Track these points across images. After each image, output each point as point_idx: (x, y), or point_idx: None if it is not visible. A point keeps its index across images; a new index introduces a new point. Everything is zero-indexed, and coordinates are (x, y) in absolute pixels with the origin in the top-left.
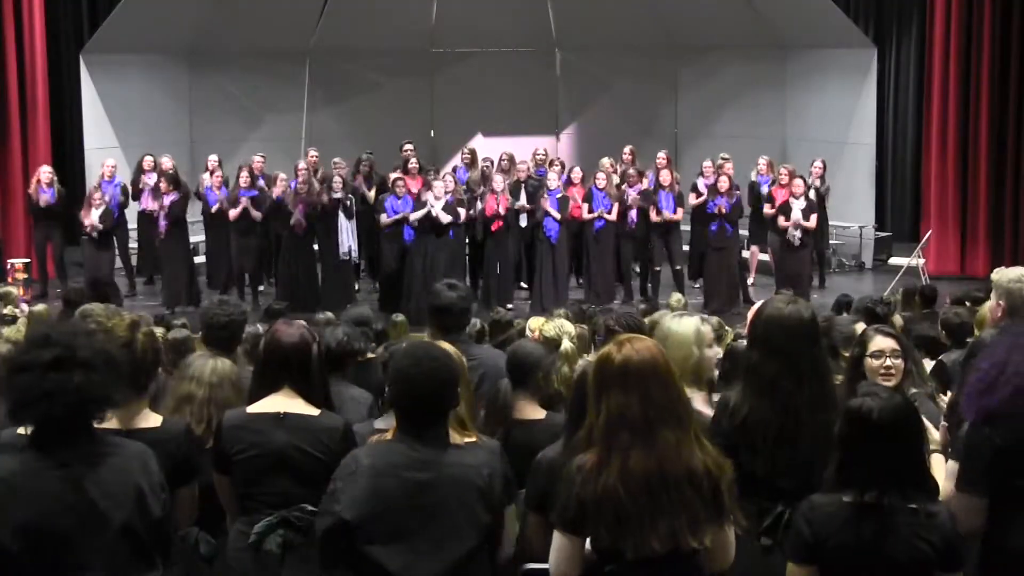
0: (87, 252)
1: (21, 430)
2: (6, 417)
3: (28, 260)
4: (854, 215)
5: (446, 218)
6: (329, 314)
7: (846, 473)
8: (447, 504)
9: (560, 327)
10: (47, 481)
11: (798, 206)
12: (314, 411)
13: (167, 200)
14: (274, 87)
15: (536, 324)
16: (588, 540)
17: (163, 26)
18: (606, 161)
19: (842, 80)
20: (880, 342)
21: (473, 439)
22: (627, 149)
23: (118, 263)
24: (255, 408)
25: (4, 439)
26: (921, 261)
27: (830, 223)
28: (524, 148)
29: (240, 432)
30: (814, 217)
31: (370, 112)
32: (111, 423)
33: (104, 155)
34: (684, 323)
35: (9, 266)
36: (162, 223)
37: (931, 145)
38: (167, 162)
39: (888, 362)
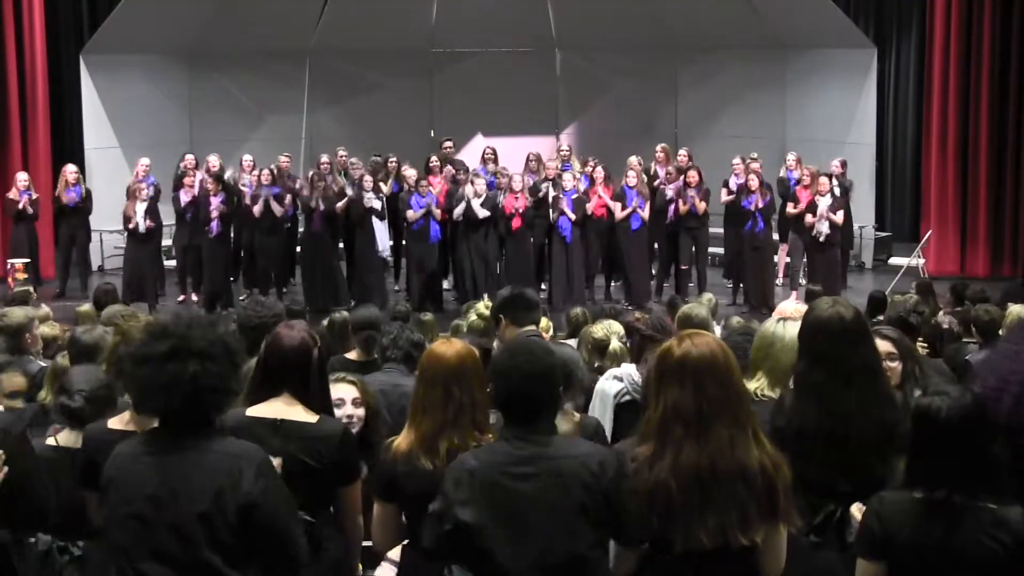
0: (128, 249)
1: (112, 424)
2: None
3: (28, 260)
4: (854, 215)
5: (483, 213)
6: (345, 313)
7: (915, 472)
8: (556, 500)
9: (608, 328)
10: (142, 465)
11: (824, 203)
12: (312, 418)
13: (217, 201)
14: (274, 87)
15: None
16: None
17: (163, 26)
18: (634, 159)
19: (842, 80)
20: (879, 345)
21: (491, 437)
22: (659, 147)
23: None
24: (254, 412)
25: (90, 432)
26: (921, 261)
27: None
28: (524, 148)
29: (238, 435)
30: (840, 213)
31: (370, 112)
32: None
33: (104, 155)
34: (791, 328)
35: (9, 266)
36: (214, 224)
37: (931, 145)
38: (214, 161)
39: (884, 365)
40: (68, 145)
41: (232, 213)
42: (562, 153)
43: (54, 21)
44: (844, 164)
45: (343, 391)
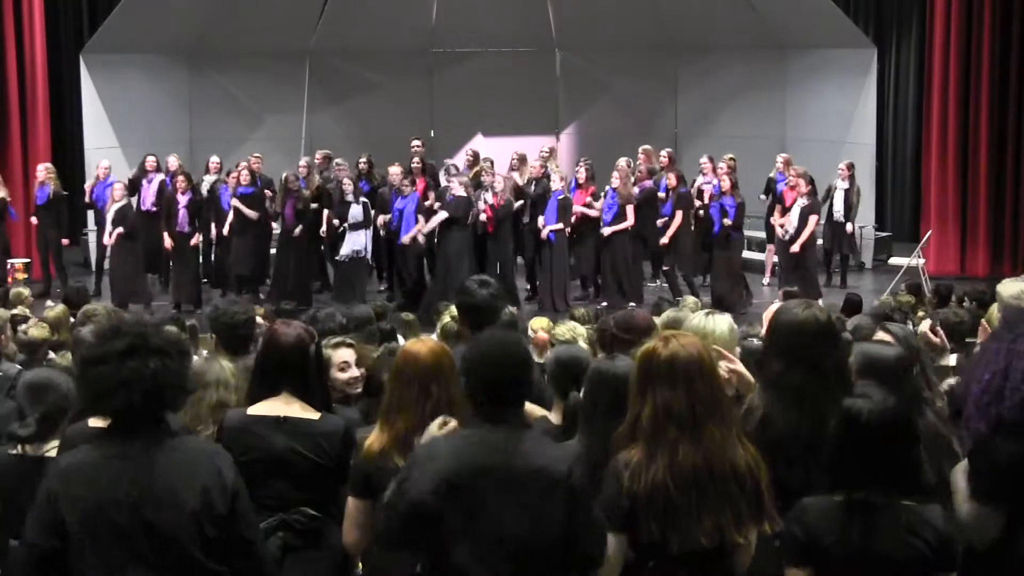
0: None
1: (93, 422)
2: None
3: (28, 260)
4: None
5: (441, 215)
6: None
7: (836, 473)
8: (523, 492)
9: (573, 329)
10: (107, 471)
11: (798, 204)
12: (314, 415)
13: (185, 199)
14: (274, 87)
15: (538, 324)
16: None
17: (163, 26)
18: (622, 161)
19: (842, 80)
20: (877, 338)
21: None
22: (641, 149)
23: None
24: (255, 410)
25: (73, 432)
26: (921, 261)
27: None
28: (523, 148)
29: (240, 435)
30: (813, 218)
31: (370, 112)
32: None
33: (104, 155)
34: (720, 321)
35: (9, 266)
36: (183, 222)
37: (931, 145)
38: (173, 162)
39: None
40: (68, 145)
41: (196, 213)
42: (542, 154)
43: (54, 21)
44: (850, 167)
45: (344, 355)
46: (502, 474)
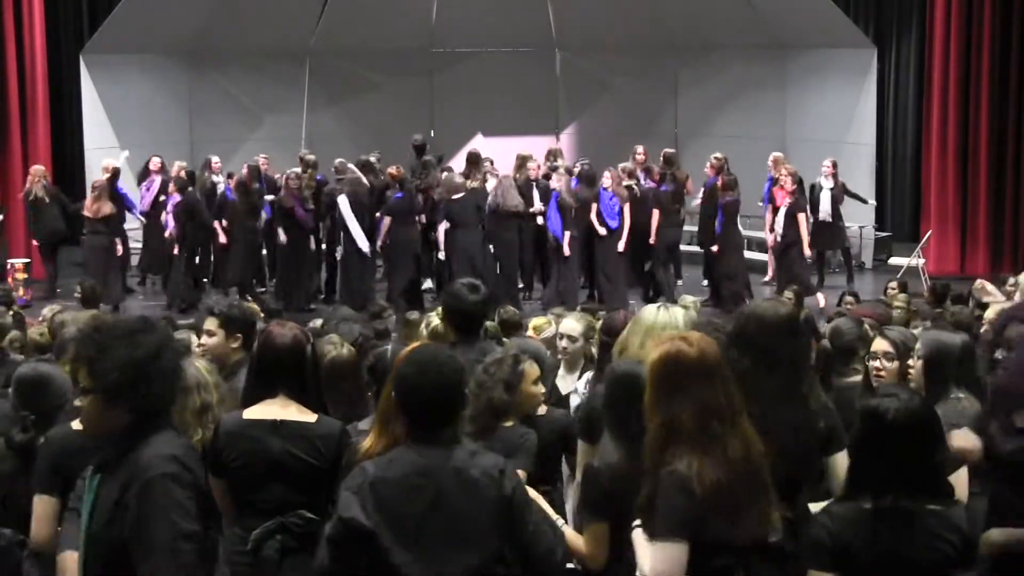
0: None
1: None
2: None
3: (28, 260)
4: (854, 215)
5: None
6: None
7: (859, 475)
8: (457, 509)
9: (550, 321)
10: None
11: (785, 204)
12: (311, 417)
13: (173, 200)
14: (274, 87)
15: (537, 323)
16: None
17: (163, 26)
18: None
19: (842, 80)
20: (876, 343)
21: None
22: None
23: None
24: (251, 414)
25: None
26: (921, 261)
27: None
28: (524, 149)
29: (236, 439)
30: (801, 216)
31: (370, 112)
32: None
33: (104, 155)
34: (676, 313)
35: (9, 266)
36: (170, 224)
37: (931, 145)
38: (180, 165)
39: (879, 363)
40: (68, 145)
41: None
42: (552, 151)
43: (54, 21)
44: (834, 165)
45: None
46: (435, 493)
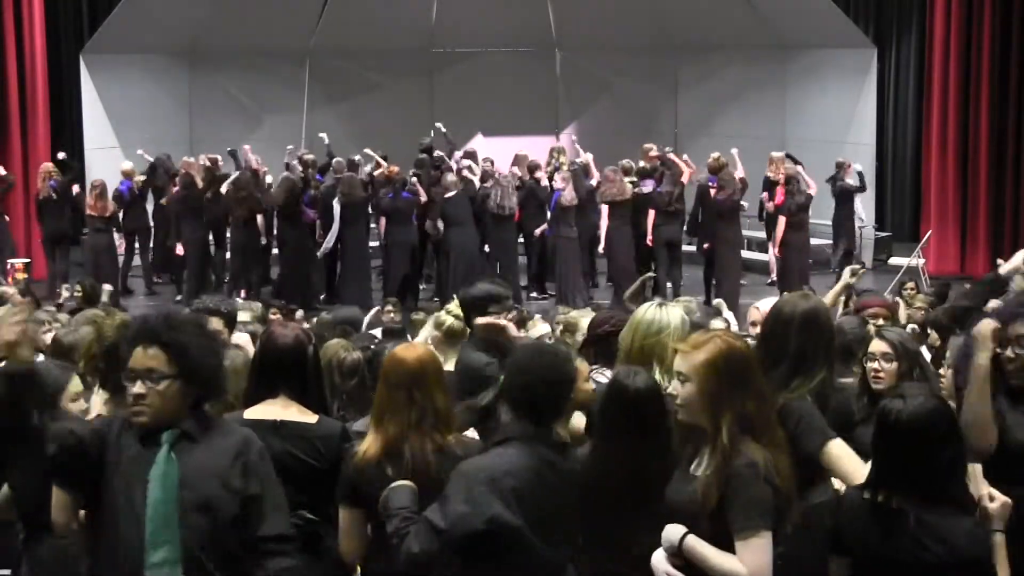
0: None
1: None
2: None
3: (28, 260)
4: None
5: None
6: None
7: (874, 469)
8: (567, 501)
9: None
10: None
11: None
12: (311, 418)
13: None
14: (274, 87)
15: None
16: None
17: (163, 26)
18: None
19: (842, 80)
20: (873, 344)
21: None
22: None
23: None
24: (252, 414)
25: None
26: (921, 261)
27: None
28: (524, 148)
29: None
30: (782, 220)
31: (370, 112)
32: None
33: (104, 155)
34: (673, 313)
35: (9, 266)
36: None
37: (931, 145)
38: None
39: (876, 364)
40: (68, 145)
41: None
42: (556, 150)
43: (54, 21)
44: (839, 165)
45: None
46: (560, 486)
